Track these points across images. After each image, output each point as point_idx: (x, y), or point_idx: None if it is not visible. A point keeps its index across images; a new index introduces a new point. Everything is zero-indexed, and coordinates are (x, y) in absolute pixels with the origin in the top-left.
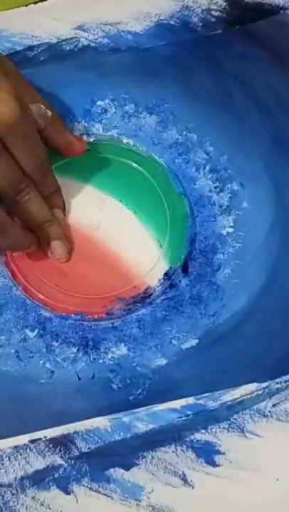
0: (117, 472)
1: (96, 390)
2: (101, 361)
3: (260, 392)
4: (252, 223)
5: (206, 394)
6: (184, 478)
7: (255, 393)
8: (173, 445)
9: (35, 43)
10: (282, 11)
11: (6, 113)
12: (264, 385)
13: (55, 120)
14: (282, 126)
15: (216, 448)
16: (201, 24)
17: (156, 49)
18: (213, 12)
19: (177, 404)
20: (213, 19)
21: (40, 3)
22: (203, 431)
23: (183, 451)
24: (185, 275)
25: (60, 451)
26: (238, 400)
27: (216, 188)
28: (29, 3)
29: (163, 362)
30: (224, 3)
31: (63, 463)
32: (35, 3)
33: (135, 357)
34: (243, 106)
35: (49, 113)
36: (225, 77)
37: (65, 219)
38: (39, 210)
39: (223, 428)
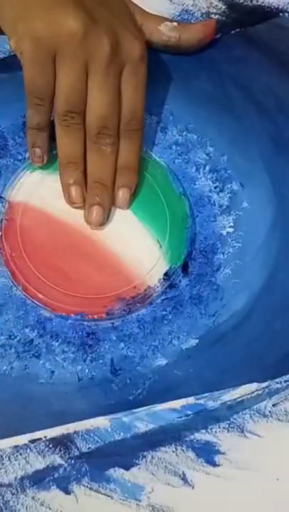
0: (117, 472)
1: (96, 390)
2: (101, 361)
3: (260, 392)
4: (252, 223)
5: (206, 394)
6: (184, 478)
7: (255, 393)
8: (173, 445)
9: None
10: (281, 14)
11: (140, 48)
12: (264, 384)
13: (181, 24)
14: (281, 127)
15: (216, 448)
16: None
17: (156, 52)
18: (212, 15)
19: (177, 404)
20: None
21: None
22: (203, 431)
23: (183, 451)
24: (185, 275)
25: (60, 451)
26: (238, 399)
27: (215, 188)
28: None
29: (163, 362)
30: (223, 7)
31: (63, 463)
32: None
33: (135, 357)
34: (243, 107)
35: (174, 23)
36: (224, 79)
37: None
38: (103, 167)
39: (223, 428)
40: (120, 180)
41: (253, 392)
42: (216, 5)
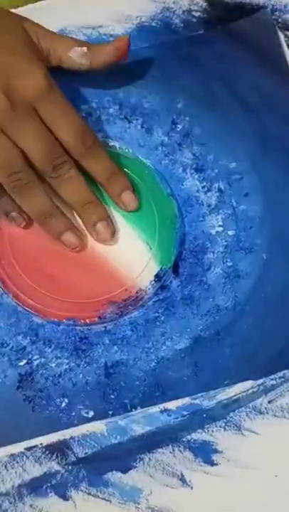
0: (114, 476)
1: (91, 395)
2: (95, 365)
3: (255, 390)
4: (241, 221)
5: (202, 393)
6: (182, 479)
7: (251, 390)
8: (170, 446)
9: None
10: (262, 10)
11: (34, 82)
12: (259, 382)
13: (92, 48)
14: (267, 123)
15: (214, 447)
16: (182, 25)
17: (139, 51)
18: (194, 13)
19: (173, 405)
20: (194, 20)
21: (20, 8)
22: (199, 430)
23: (180, 451)
24: (176, 276)
25: (57, 457)
26: (233, 398)
27: (203, 187)
28: (10, 8)
29: (157, 363)
30: (204, 4)
31: (60, 469)
32: (17, 7)
33: (129, 360)
34: (227, 105)
35: (84, 49)
36: (208, 77)
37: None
38: (79, 189)
39: (220, 427)
40: (115, 188)
41: (248, 390)
42: (197, 2)
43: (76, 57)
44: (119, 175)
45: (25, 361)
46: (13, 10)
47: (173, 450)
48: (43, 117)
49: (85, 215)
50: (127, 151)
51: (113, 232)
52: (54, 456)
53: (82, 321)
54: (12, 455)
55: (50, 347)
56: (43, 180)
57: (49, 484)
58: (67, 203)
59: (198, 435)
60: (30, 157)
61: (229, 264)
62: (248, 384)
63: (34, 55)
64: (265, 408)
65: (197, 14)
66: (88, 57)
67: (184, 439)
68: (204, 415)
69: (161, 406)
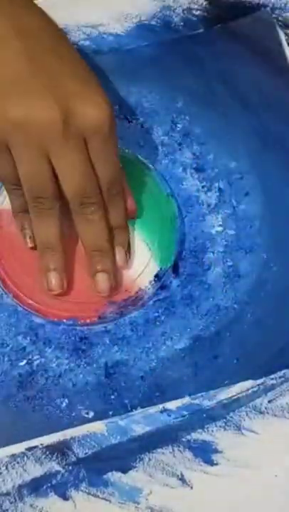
0: (114, 475)
1: (91, 395)
2: (95, 365)
3: (255, 389)
4: (241, 221)
5: (202, 393)
6: (182, 479)
7: (251, 390)
8: (170, 446)
9: None
10: (262, 8)
11: (97, 114)
12: (259, 381)
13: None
14: (267, 122)
15: (213, 447)
16: (182, 24)
17: (139, 50)
18: (193, 11)
19: (173, 405)
20: (194, 18)
21: None
22: (199, 430)
23: (180, 451)
24: (176, 276)
25: (57, 457)
26: (233, 397)
27: (203, 187)
28: None
29: (157, 363)
30: (204, 2)
31: (61, 469)
32: None
33: (129, 360)
34: (228, 104)
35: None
36: (208, 75)
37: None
38: (96, 234)
39: (220, 426)
40: (115, 240)
41: (248, 390)
42: (197, 1)
43: None
44: (124, 230)
45: (25, 361)
46: None
47: (173, 450)
48: (90, 151)
49: (91, 261)
50: (126, 151)
51: (112, 286)
52: (54, 457)
53: (82, 321)
54: (13, 455)
55: (50, 347)
56: (66, 209)
57: (49, 484)
58: (80, 240)
59: (198, 435)
60: (62, 185)
61: (229, 263)
62: (248, 384)
63: (96, 80)
64: (265, 408)
65: (197, 13)
66: None
67: (183, 439)
68: (204, 415)
69: (161, 406)
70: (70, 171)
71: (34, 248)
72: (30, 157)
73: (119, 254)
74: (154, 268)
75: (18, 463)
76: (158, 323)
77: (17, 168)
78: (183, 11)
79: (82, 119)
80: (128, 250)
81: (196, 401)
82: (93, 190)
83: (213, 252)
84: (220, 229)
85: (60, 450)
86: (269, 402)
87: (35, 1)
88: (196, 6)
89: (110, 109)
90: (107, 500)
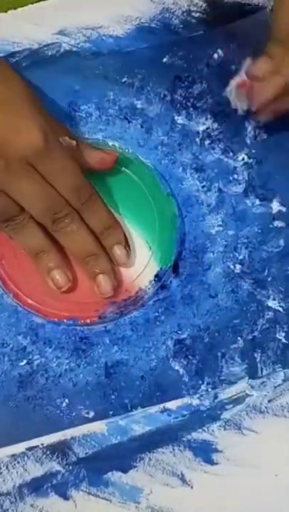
0: (115, 475)
1: (91, 395)
2: (95, 365)
3: (256, 389)
4: (240, 221)
5: (202, 393)
6: (182, 478)
7: (252, 390)
8: (170, 445)
9: (17, 48)
10: (261, 10)
11: (28, 138)
12: (259, 381)
13: (82, 146)
14: (267, 123)
15: (214, 446)
16: (182, 26)
17: (138, 52)
18: (193, 13)
19: (173, 404)
20: (193, 20)
21: (20, 9)
22: (199, 430)
23: (180, 451)
24: (176, 276)
25: (58, 457)
26: (233, 397)
27: (203, 187)
28: (9, 9)
29: (157, 363)
30: (204, 4)
31: (61, 469)
32: (15, 8)
33: (129, 359)
34: (229, 105)
35: (73, 142)
36: (208, 77)
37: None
38: (80, 242)
39: (220, 426)
40: (108, 241)
41: (248, 390)
42: (197, 3)
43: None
44: (114, 228)
45: (25, 361)
46: (13, 11)
47: (173, 450)
48: (41, 172)
49: (87, 267)
50: (126, 151)
51: (114, 286)
52: (55, 456)
53: (82, 320)
54: (13, 455)
55: (50, 347)
56: None
57: (50, 484)
58: (70, 254)
59: (198, 434)
60: (28, 211)
61: (228, 263)
62: (248, 384)
63: (31, 109)
64: (266, 407)
65: (197, 15)
66: (73, 152)
67: (184, 439)
68: (204, 415)
69: (161, 406)
70: (28, 200)
71: None
72: None
73: (120, 251)
74: (154, 268)
75: (18, 463)
76: (158, 323)
77: None
78: (182, 13)
79: (15, 148)
80: (127, 245)
81: (197, 401)
82: (58, 205)
83: (213, 252)
84: (220, 229)
85: (60, 450)
86: (269, 401)
87: (38, 4)
88: (195, 8)
89: (39, 125)
90: (107, 499)
